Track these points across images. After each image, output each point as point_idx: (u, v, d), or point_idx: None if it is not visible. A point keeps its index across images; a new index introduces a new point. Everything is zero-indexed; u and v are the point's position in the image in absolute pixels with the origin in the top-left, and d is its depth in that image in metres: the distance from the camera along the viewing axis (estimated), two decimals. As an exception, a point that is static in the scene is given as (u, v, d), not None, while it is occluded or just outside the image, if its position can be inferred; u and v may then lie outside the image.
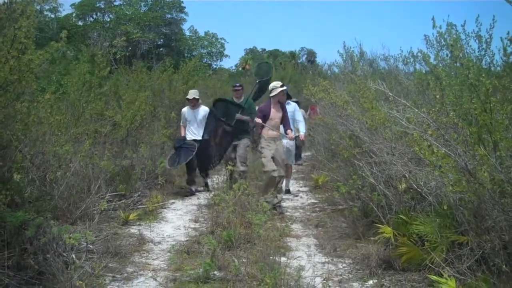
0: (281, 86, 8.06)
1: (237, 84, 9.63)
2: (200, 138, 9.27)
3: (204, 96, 15.98)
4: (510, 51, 4.85)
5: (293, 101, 9.77)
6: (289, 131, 8.04)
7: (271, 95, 8.04)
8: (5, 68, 4.32)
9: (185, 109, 9.67)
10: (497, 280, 4.00)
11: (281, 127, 8.21)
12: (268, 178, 7.75)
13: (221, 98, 10.24)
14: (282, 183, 8.36)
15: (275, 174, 7.70)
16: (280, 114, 8.04)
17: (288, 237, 6.25)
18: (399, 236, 5.09)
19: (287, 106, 8.60)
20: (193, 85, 15.63)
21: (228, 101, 9.55)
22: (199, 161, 9.32)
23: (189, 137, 9.49)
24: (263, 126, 7.95)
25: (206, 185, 9.73)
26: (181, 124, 9.83)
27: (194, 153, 8.93)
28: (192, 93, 9.53)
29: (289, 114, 8.42)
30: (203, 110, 9.54)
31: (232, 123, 9.02)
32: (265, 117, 7.93)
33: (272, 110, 7.99)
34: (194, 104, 9.45)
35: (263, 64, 10.63)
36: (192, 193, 9.30)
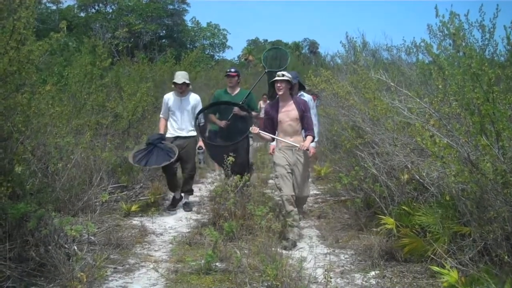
0: (280, 76, 5.85)
1: (232, 69, 7.66)
2: (187, 135, 7.36)
3: (206, 87, 16.01)
4: (513, 40, 4.81)
5: (308, 93, 7.58)
6: (309, 138, 5.85)
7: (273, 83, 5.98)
8: (4, 59, 4.30)
9: (169, 96, 7.53)
10: (500, 271, 3.98)
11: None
12: (285, 204, 5.74)
13: (210, 105, 7.53)
14: (300, 211, 6.23)
15: (292, 200, 5.75)
16: (294, 114, 5.87)
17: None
18: (401, 227, 5.08)
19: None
20: (195, 76, 15.64)
21: (218, 103, 7.45)
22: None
23: (171, 133, 7.41)
24: (272, 137, 6.04)
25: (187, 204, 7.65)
26: (161, 115, 7.61)
27: (171, 161, 6.95)
28: (181, 76, 7.40)
29: None
30: (194, 98, 7.48)
31: (228, 118, 7.18)
32: (272, 121, 5.96)
33: (281, 110, 5.91)
34: (183, 90, 7.37)
35: (277, 51, 7.75)
36: (175, 205, 7.55)
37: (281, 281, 4.21)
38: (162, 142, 7.12)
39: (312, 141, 5.92)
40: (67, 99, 8.33)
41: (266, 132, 5.96)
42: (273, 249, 4.70)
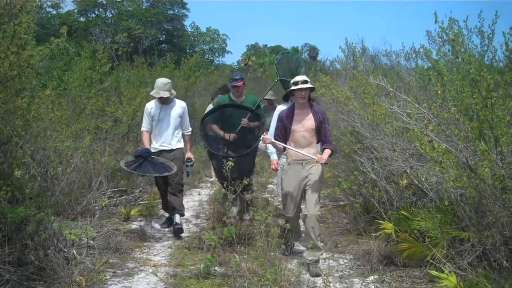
0: (303, 82, 5.16)
1: (236, 77, 6.60)
2: (173, 147, 6.46)
3: (206, 92, 16.01)
4: (512, 46, 4.83)
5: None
6: (327, 151, 5.18)
7: (293, 90, 5.24)
8: (5, 63, 4.31)
9: (151, 105, 6.49)
10: (498, 276, 3.99)
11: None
12: (291, 223, 5.23)
13: (214, 109, 6.84)
14: (315, 231, 5.14)
15: (294, 220, 5.39)
16: (310, 124, 5.21)
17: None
18: (400, 232, 5.09)
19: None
20: (194, 81, 15.65)
21: (227, 106, 6.58)
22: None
23: (154, 147, 6.45)
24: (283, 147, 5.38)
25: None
26: (143, 128, 6.56)
27: (171, 172, 6.13)
28: (163, 88, 6.31)
29: None
30: (179, 106, 6.54)
31: (236, 131, 6.34)
32: (286, 130, 5.31)
33: (296, 119, 5.26)
34: (162, 101, 6.40)
35: (289, 56, 6.84)
36: (170, 224, 6.65)
37: (280, 285, 4.21)
38: (152, 157, 6.19)
39: (330, 155, 5.29)
40: (67, 104, 8.34)
41: (278, 141, 5.30)
42: (272, 253, 4.70)
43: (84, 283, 4.11)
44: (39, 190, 5.31)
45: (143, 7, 36.45)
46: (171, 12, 38.01)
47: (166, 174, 6.10)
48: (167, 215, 6.90)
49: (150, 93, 6.40)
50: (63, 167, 6.06)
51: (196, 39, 40.16)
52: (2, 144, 4.72)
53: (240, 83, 6.45)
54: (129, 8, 35.53)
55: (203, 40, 40.34)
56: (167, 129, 6.42)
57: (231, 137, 6.31)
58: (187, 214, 7.38)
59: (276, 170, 6.24)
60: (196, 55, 16.59)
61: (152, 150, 6.35)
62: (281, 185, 5.47)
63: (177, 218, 6.33)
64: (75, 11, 35.39)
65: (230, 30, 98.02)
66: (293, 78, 5.46)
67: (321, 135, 5.25)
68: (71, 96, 8.72)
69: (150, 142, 6.47)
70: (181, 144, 6.56)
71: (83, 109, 8.59)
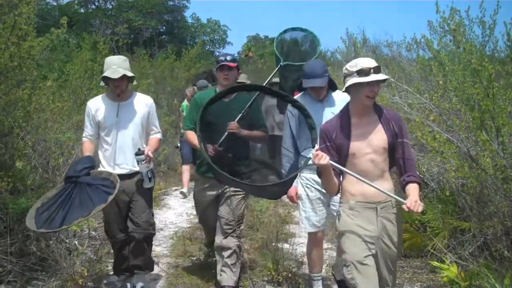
0: (375, 69, 2.90)
1: (228, 57, 4.22)
2: (133, 170, 4.04)
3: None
4: (514, 36, 4.82)
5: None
6: (415, 187, 3.03)
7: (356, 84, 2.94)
8: (5, 54, 4.31)
9: (96, 103, 4.14)
10: (499, 266, 3.99)
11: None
12: None
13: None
14: None
15: None
16: (381, 141, 3.01)
17: (290, 224, 6.26)
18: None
19: (325, 103, 3.94)
20: (195, 73, 15.63)
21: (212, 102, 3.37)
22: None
23: (105, 166, 4.07)
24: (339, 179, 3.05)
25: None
26: (84, 137, 4.17)
27: (108, 201, 3.56)
28: (117, 65, 3.96)
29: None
30: (144, 103, 4.16)
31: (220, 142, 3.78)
32: (338, 151, 3.03)
33: (356, 133, 3.03)
34: (122, 89, 4.01)
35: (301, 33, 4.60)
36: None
37: (282, 275, 4.23)
38: (91, 171, 3.85)
39: (420, 190, 3.09)
40: (68, 95, 8.31)
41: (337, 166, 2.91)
42: (273, 244, 4.71)
43: (86, 274, 4.13)
44: (40, 181, 5.31)
45: (143, -2, 36.34)
46: (171, 3, 37.84)
47: (96, 210, 3.55)
48: (171, 201, 6.87)
49: (103, 74, 3.96)
50: (64, 158, 6.04)
51: (197, 30, 40.02)
52: (3, 136, 4.72)
53: (232, 64, 4.16)
54: (129, 0, 35.41)
55: (203, 31, 40.21)
56: (126, 140, 4.06)
57: (212, 150, 3.56)
58: (188, 205, 7.34)
59: (295, 203, 4.18)
60: (197, 46, 16.59)
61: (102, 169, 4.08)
62: (342, 247, 3.05)
63: (142, 279, 4.24)
64: (75, 2, 35.28)
65: (231, 21, 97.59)
66: (305, 60, 4.15)
67: (397, 157, 3.05)
68: (72, 88, 8.69)
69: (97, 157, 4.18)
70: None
71: (84, 101, 8.56)
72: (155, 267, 4.69)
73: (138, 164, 3.95)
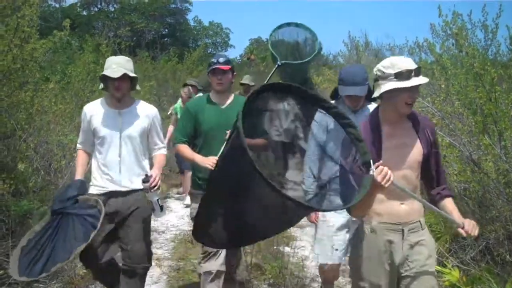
0: (416, 71, 2.42)
1: (220, 59, 3.72)
2: (130, 187, 3.54)
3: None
4: (516, 39, 4.82)
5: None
6: (450, 202, 2.72)
7: (381, 94, 2.51)
8: (8, 57, 4.32)
9: (93, 108, 3.66)
10: (501, 271, 3.98)
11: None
12: None
13: None
14: None
15: None
16: (417, 153, 2.58)
17: (292, 227, 6.25)
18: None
19: (360, 115, 3.39)
20: (197, 76, 15.69)
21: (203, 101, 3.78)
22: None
23: (100, 186, 3.55)
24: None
25: None
26: (78, 145, 3.73)
27: (91, 236, 3.15)
28: (119, 64, 3.50)
29: None
30: (145, 114, 3.64)
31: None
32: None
33: (388, 145, 2.55)
34: (123, 92, 3.53)
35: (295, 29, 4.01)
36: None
37: (284, 278, 4.23)
38: (78, 198, 3.39)
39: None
40: (70, 97, 8.33)
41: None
42: (275, 247, 4.71)
43: (87, 276, 4.12)
44: (42, 183, 5.33)
45: (146, 1, 36.40)
46: (173, 6, 37.94)
47: (78, 249, 3.15)
48: (172, 204, 6.85)
49: (103, 73, 3.47)
50: (66, 161, 6.06)
51: (199, 33, 40.11)
52: (6, 138, 4.74)
53: (225, 67, 3.68)
54: (132, 2, 35.48)
55: (206, 34, 40.29)
56: (123, 153, 3.56)
57: (209, 163, 3.30)
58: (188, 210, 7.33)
59: (314, 223, 3.68)
60: (199, 49, 16.63)
61: (94, 191, 3.54)
62: (356, 272, 2.67)
63: None
64: (78, 4, 35.39)
65: (233, 24, 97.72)
66: (305, 58, 3.84)
67: (430, 168, 2.66)
68: (74, 90, 8.71)
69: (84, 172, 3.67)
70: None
71: (86, 103, 8.59)
72: (157, 269, 4.69)
73: (146, 192, 3.42)
